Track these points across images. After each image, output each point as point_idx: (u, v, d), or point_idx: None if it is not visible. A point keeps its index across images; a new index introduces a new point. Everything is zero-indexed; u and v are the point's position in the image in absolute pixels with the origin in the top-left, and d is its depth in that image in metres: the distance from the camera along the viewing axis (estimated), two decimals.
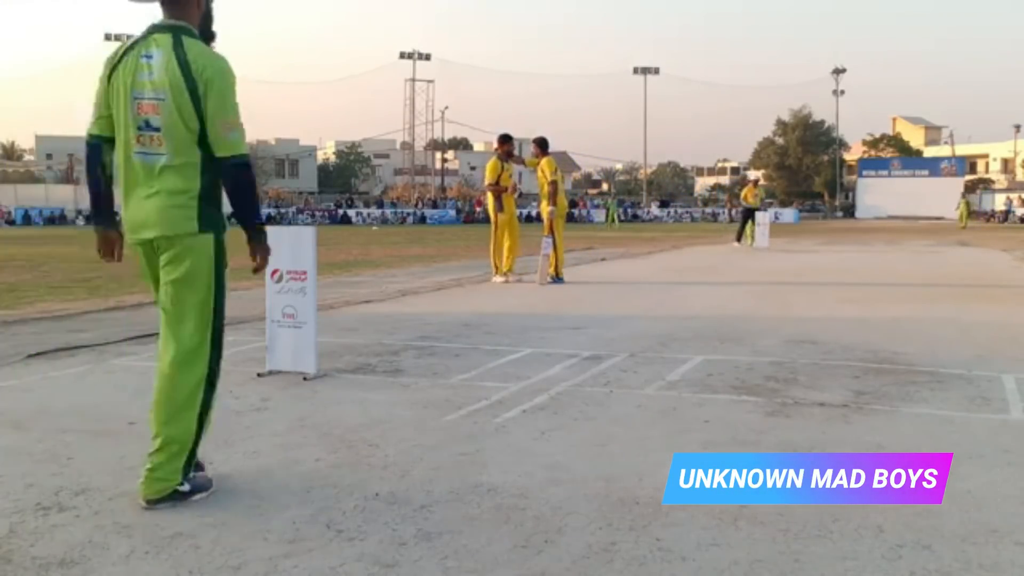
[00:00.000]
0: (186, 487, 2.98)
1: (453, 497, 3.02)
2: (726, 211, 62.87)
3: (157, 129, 2.95)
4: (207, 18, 3.14)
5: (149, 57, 2.95)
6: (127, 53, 2.99)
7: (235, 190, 3.06)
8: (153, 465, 2.95)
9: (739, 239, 21.07)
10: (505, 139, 11.40)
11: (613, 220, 46.20)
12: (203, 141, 2.98)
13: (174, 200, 2.98)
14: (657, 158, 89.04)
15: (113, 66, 3.01)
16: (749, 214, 21.17)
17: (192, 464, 3.04)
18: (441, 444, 3.69)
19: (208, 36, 3.12)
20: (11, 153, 71.88)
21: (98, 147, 3.07)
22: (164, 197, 2.98)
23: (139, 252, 3.10)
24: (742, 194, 22.23)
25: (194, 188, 3.00)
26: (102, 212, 3.12)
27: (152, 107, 2.94)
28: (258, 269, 3.17)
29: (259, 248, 3.13)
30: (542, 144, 11.59)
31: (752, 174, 66.79)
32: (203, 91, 2.93)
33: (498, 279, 11.21)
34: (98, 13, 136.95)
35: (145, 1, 3.06)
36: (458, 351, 5.96)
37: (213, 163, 3.01)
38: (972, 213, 59.41)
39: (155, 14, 3.04)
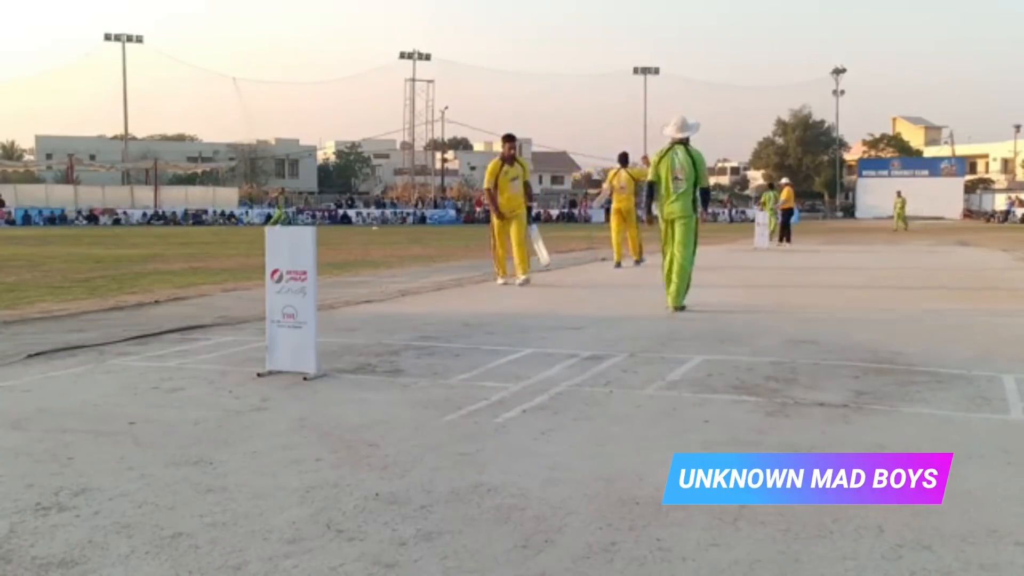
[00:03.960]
0: (683, 304, 8.13)
1: (453, 497, 3.02)
2: (726, 211, 62.99)
3: (681, 180, 8.05)
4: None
5: (676, 154, 8.09)
6: (666, 154, 8.14)
7: (704, 198, 8.20)
8: (674, 295, 8.10)
9: (788, 239, 22.34)
10: (508, 138, 11.17)
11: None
12: (695, 184, 8.08)
13: (685, 206, 8.07)
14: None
15: (660, 157, 8.17)
16: (788, 214, 22.96)
17: (684, 295, 8.09)
18: (441, 444, 3.69)
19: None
20: (11, 153, 71.91)
21: (654, 184, 8.21)
22: (681, 205, 8.07)
23: (666, 222, 8.18)
24: (784, 197, 23.30)
25: (691, 202, 8.08)
26: (650, 209, 8.40)
27: (680, 171, 8.06)
28: (703, 220, 8.31)
29: (703, 213, 8.30)
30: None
31: (758, 177, 66.61)
32: (698, 165, 8.10)
33: (500, 280, 11.18)
34: (98, 13, 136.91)
35: (680, 139, 8.20)
36: (458, 351, 5.96)
37: (696, 192, 8.07)
38: (972, 213, 59.62)
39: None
